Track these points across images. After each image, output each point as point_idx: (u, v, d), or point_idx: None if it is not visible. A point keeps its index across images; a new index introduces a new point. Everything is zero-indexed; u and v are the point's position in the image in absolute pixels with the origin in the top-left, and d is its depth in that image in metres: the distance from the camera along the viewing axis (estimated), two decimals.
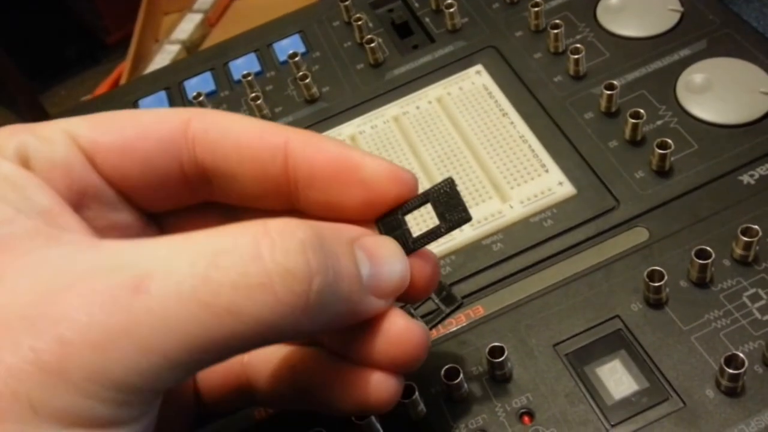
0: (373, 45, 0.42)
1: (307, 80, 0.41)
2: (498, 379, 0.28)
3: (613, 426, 0.26)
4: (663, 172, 0.33)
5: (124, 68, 0.69)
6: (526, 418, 0.27)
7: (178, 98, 0.45)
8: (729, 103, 0.34)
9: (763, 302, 0.28)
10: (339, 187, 0.23)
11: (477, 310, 0.30)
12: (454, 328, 0.30)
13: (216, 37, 0.68)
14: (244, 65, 0.45)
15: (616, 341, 0.28)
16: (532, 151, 0.35)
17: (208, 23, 0.70)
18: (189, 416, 0.26)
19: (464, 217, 0.24)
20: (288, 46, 0.45)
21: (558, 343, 0.28)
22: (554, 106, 0.37)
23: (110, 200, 0.23)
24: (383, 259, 0.22)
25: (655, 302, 0.28)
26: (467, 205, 0.24)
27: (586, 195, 0.33)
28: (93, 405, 0.16)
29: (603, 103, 0.35)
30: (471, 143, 0.37)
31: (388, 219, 0.24)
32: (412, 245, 0.24)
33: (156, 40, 0.73)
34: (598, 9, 0.41)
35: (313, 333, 0.23)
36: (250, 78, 0.43)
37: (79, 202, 0.22)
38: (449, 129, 0.38)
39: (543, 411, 0.27)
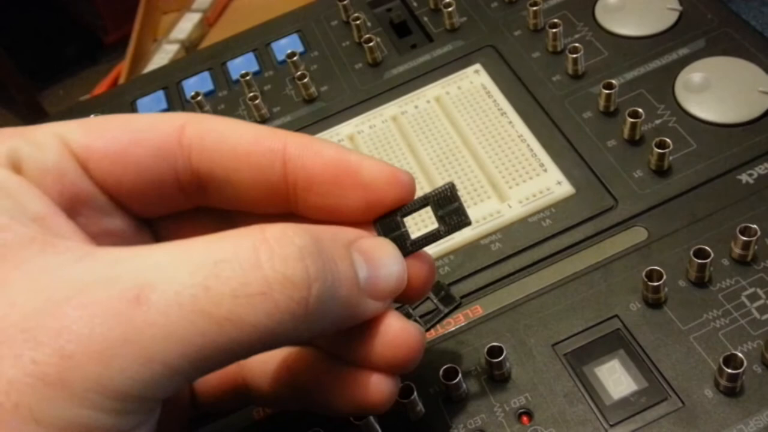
0: (371, 44, 0.42)
1: (306, 80, 0.41)
2: (497, 379, 0.28)
3: (611, 426, 0.26)
4: (662, 171, 0.33)
5: (122, 68, 0.69)
6: (524, 418, 0.27)
7: (176, 98, 0.45)
8: (727, 103, 0.34)
9: (761, 302, 0.27)
10: (338, 190, 0.23)
11: (476, 310, 0.30)
12: (453, 328, 0.30)
13: (214, 36, 0.68)
14: (242, 65, 0.45)
15: (615, 341, 0.28)
16: (531, 150, 0.35)
17: (207, 23, 0.70)
18: (185, 417, 0.26)
19: (464, 221, 0.24)
20: (286, 46, 0.45)
21: (557, 343, 0.28)
22: (553, 105, 0.37)
23: (103, 206, 0.23)
24: (380, 261, 0.22)
25: (654, 302, 0.28)
26: (466, 204, 0.24)
27: (584, 194, 0.33)
28: (95, 415, 0.16)
29: (601, 102, 0.35)
30: (469, 143, 0.37)
31: (387, 220, 0.24)
32: (410, 247, 0.24)
33: (154, 40, 0.73)
34: (596, 8, 0.40)
35: (311, 338, 0.23)
36: (248, 77, 0.43)
37: (72, 208, 0.21)
38: (448, 128, 0.38)
39: (542, 411, 0.27)
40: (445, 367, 0.27)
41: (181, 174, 0.23)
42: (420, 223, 0.33)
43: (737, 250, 0.28)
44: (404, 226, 0.24)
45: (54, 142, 0.21)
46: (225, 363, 0.18)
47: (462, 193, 0.34)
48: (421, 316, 0.27)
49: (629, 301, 0.29)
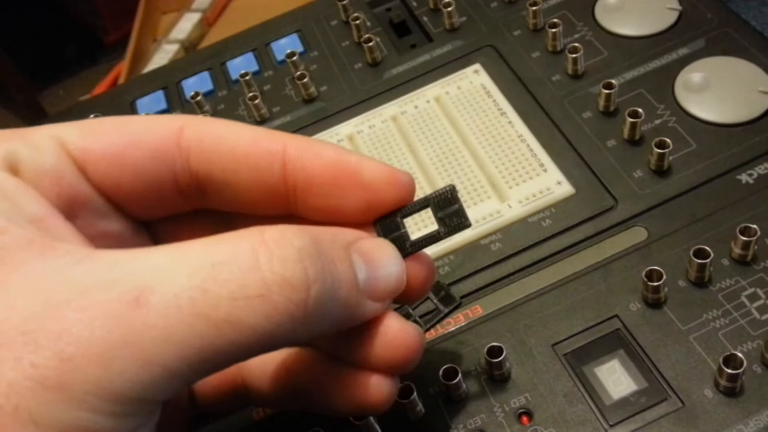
0: (371, 44, 0.42)
1: (305, 80, 0.41)
2: (496, 379, 0.28)
3: (611, 426, 0.26)
4: (661, 171, 0.33)
5: (122, 68, 0.69)
6: (524, 418, 0.27)
7: (176, 98, 0.45)
8: (727, 102, 0.34)
9: (761, 302, 0.27)
10: (337, 191, 0.23)
11: (475, 310, 0.30)
12: (453, 328, 0.30)
13: (214, 36, 0.68)
14: (241, 65, 0.45)
15: (615, 341, 0.28)
16: (531, 150, 0.35)
17: (207, 22, 0.70)
18: (184, 418, 0.26)
19: (464, 223, 0.24)
20: (286, 46, 0.45)
21: (556, 343, 0.28)
22: (552, 105, 0.37)
23: (100, 209, 0.22)
24: (380, 262, 0.22)
25: (654, 302, 0.28)
26: (466, 204, 0.24)
27: (584, 194, 0.33)
28: (94, 418, 0.16)
29: (601, 102, 0.35)
30: (469, 143, 0.37)
31: (387, 221, 0.24)
32: (409, 248, 0.24)
33: (154, 40, 0.73)
34: (596, 8, 0.40)
35: (310, 339, 0.23)
36: (247, 77, 0.43)
37: (69, 210, 0.21)
38: (447, 128, 0.38)
39: (541, 411, 0.27)
40: (444, 367, 0.27)
41: (180, 176, 0.23)
42: (420, 224, 0.33)
43: (737, 250, 0.28)
44: (404, 227, 0.24)
45: (51, 145, 0.21)
46: (224, 365, 0.18)
47: (462, 193, 0.34)
48: (421, 316, 0.27)
49: (629, 301, 0.29)
